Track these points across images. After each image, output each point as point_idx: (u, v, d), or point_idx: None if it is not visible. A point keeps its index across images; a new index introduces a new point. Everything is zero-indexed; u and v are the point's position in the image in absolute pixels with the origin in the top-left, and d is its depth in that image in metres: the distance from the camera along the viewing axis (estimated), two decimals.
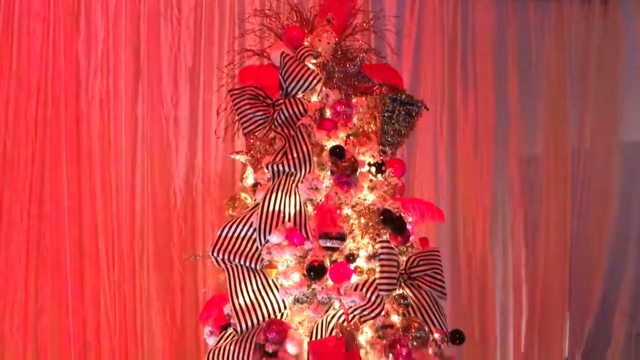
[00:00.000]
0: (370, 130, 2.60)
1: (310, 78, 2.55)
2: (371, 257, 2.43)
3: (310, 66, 2.60)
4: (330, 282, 2.34)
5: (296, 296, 2.34)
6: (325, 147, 2.50)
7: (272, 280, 2.38)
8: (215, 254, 2.42)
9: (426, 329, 2.36)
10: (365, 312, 2.30)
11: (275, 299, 2.35)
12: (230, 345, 2.30)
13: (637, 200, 3.79)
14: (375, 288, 2.34)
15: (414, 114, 2.62)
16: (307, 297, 2.34)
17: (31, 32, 3.61)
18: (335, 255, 2.38)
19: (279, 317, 2.34)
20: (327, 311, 2.33)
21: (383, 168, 2.56)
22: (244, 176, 2.73)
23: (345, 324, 2.29)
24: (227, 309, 2.43)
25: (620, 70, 3.79)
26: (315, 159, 2.47)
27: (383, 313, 2.36)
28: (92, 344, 3.55)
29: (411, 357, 2.28)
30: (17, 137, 3.57)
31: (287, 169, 2.43)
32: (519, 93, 3.77)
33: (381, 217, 2.44)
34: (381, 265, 2.38)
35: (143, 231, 3.61)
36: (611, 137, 3.77)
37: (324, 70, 2.59)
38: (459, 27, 3.81)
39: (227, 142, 3.50)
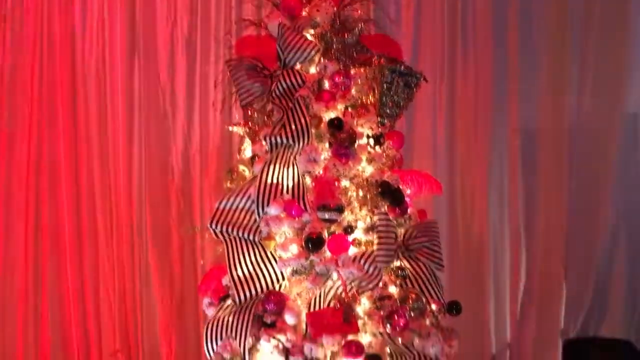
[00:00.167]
0: (368, 101, 2.57)
1: (309, 49, 2.53)
2: (369, 229, 2.43)
3: (309, 37, 2.57)
4: (328, 254, 2.35)
5: (294, 268, 2.35)
6: (324, 119, 2.48)
7: (271, 252, 2.39)
8: (213, 226, 2.43)
9: (423, 300, 2.38)
10: (363, 284, 2.31)
11: (274, 270, 2.36)
12: (229, 316, 2.32)
13: (637, 171, 3.77)
14: (373, 260, 2.34)
15: (412, 85, 2.60)
16: (305, 269, 2.34)
17: (24, 10, 3.56)
18: (333, 227, 2.38)
19: (277, 288, 2.35)
20: (325, 283, 2.34)
21: (381, 140, 2.55)
22: (242, 148, 2.72)
23: (343, 295, 2.31)
24: (226, 280, 2.44)
25: (626, 37, 3.71)
26: (313, 130, 2.45)
27: (381, 284, 2.37)
28: (92, 315, 3.58)
29: (408, 328, 2.30)
30: (14, 114, 3.56)
31: (285, 141, 2.42)
32: (519, 66, 3.73)
33: (379, 189, 2.43)
34: (379, 237, 2.38)
35: (141, 204, 3.61)
36: (613, 108, 3.73)
37: (322, 41, 2.56)
38: None
39: (224, 114, 3.49)
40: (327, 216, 2.34)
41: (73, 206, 3.62)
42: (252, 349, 2.27)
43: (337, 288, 2.33)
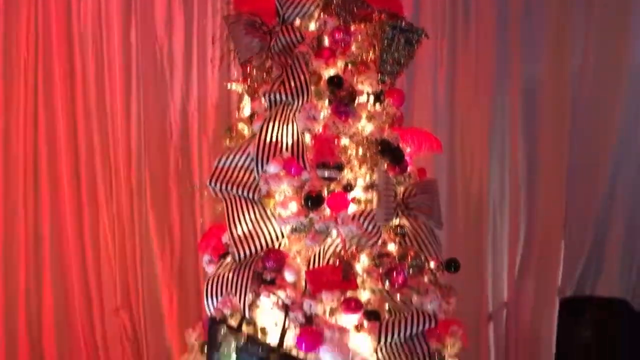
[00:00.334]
0: (369, 58, 2.54)
1: (308, 4, 2.48)
2: (369, 187, 2.43)
3: None
4: (327, 212, 2.35)
5: (294, 225, 2.36)
6: (323, 76, 2.45)
7: (270, 210, 2.39)
8: (212, 185, 2.42)
9: (422, 257, 2.39)
10: (362, 241, 2.32)
11: (273, 228, 2.36)
12: (229, 273, 2.34)
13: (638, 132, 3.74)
14: (373, 218, 2.35)
15: (414, 42, 2.56)
16: (305, 227, 2.35)
17: None
18: (332, 186, 2.38)
19: (276, 246, 2.36)
20: (324, 240, 2.35)
21: (382, 98, 2.53)
22: (241, 106, 2.70)
23: (342, 252, 2.32)
24: (226, 238, 2.44)
25: None
26: (312, 88, 2.42)
27: (380, 242, 2.38)
28: (93, 273, 3.61)
29: (407, 285, 2.32)
30: (9, 75, 3.52)
31: (284, 98, 2.39)
32: (521, 22, 3.66)
33: (379, 148, 2.42)
34: (378, 195, 2.38)
35: (140, 163, 3.60)
36: (618, 66, 3.67)
37: None
38: None
39: (222, 71, 3.44)
40: (326, 174, 2.34)
41: (72, 165, 3.61)
42: (252, 305, 2.29)
43: (337, 246, 2.35)
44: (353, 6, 2.55)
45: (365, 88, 2.49)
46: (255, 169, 2.39)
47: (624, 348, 3.53)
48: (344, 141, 2.43)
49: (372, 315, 2.29)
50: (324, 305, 2.24)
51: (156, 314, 3.59)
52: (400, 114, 2.66)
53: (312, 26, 2.54)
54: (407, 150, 2.58)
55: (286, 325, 2.23)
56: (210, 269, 2.50)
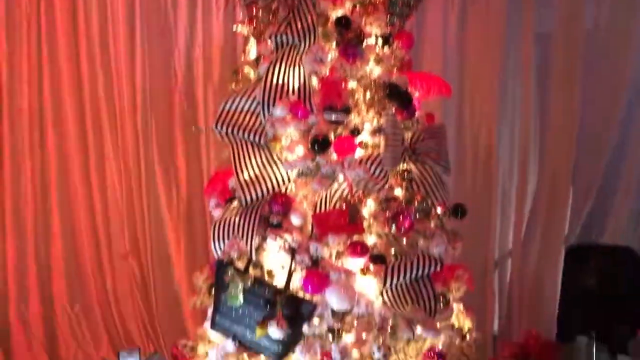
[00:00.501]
0: (377, 0, 2.48)
1: None
2: (376, 132, 2.41)
3: None
4: (334, 156, 2.33)
5: (300, 170, 2.35)
6: (331, 17, 2.40)
7: (276, 154, 2.38)
8: (218, 128, 2.41)
9: (429, 202, 2.39)
10: (369, 186, 2.31)
11: (280, 172, 2.36)
12: (236, 217, 2.34)
13: None
14: (380, 162, 2.33)
15: None
16: (312, 171, 2.34)
17: None
18: (339, 129, 2.36)
19: (283, 190, 2.36)
20: (331, 184, 2.34)
21: (390, 40, 2.48)
22: (247, 49, 2.65)
23: (349, 196, 2.31)
24: (232, 182, 2.44)
25: None
26: (320, 29, 2.37)
27: (386, 187, 2.37)
28: (101, 219, 3.63)
29: (413, 229, 2.32)
30: (11, 24, 3.46)
31: (291, 40, 2.36)
32: None
33: (387, 91, 2.39)
34: (386, 140, 2.36)
35: (145, 109, 3.58)
36: (632, 12, 3.58)
37: None
38: None
39: (228, 14, 3.37)
40: (333, 117, 2.31)
41: (78, 111, 3.60)
42: (259, 248, 2.31)
43: (343, 190, 2.34)
44: None
45: (374, 30, 2.44)
46: (261, 112, 2.36)
47: (629, 295, 3.55)
48: (352, 84, 2.39)
49: (378, 258, 2.30)
50: (330, 248, 2.25)
51: (164, 259, 3.63)
52: (409, 58, 2.61)
53: None
54: (416, 94, 2.54)
55: (292, 268, 2.24)
56: (217, 213, 2.50)
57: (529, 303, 3.69)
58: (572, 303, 3.64)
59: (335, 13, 2.40)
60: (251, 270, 2.28)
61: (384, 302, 2.27)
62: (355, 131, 2.37)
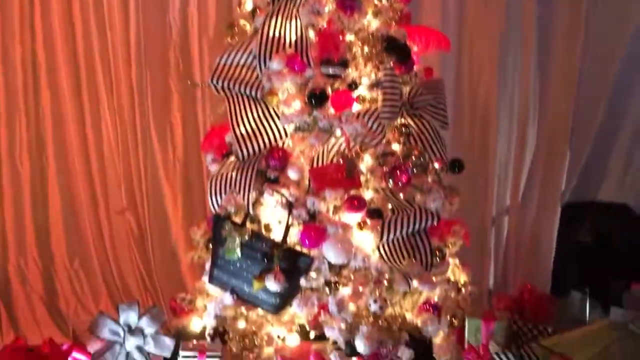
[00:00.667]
0: None
1: None
2: (374, 86, 2.40)
3: None
4: (331, 110, 2.32)
5: (297, 124, 2.34)
6: None
7: (273, 108, 2.36)
8: (214, 82, 2.39)
9: (426, 157, 2.38)
10: (366, 140, 2.31)
11: (277, 126, 2.34)
12: (233, 171, 2.34)
13: None
14: (377, 116, 2.32)
15: None
16: (309, 125, 2.34)
17: None
18: (337, 83, 2.34)
19: (280, 145, 2.35)
20: (328, 139, 2.33)
21: None
22: (242, 1, 2.60)
23: (346, 151, 2.31)
24: (229, 137, 2.43)
25: None
26: None
27: (384, 141, 2.36)
28: (97, 174, 3.62)
29: (410, 184, 2.32)
30: None
31: None
32: None
33: (385, 44, 2.36)
34: (384, 94, 2.34)
35: (140, 63, 3.52)
36: None
37: None
38: None
39: None
40: (330, 71, 2.29)
41: (72, 66, 3.53)
42: (256, 203, 2.32)
43: (340, 144, 2.33)
44: None
45: None
46: (257, 66, 2.34)
47: (624, 252, 3.57)
48: (349, 37, 2.36)
49: (375, 213, 2.30)
50: (327, 203, 2.26)
51: (161, 214, 3.63)
52: (407, 11, 2.57)
53: None
54: (414, 48, 2.51)
55: (290, 223, 2.25)
56: (214, 168, 2.50)
57: (525, 258, 3.72)
58: (568, 258, 3.67)
59: None
60: (248, 225, 2.29)
61: (381, 256, 2.28)
62: (353, 85, 2.36)
